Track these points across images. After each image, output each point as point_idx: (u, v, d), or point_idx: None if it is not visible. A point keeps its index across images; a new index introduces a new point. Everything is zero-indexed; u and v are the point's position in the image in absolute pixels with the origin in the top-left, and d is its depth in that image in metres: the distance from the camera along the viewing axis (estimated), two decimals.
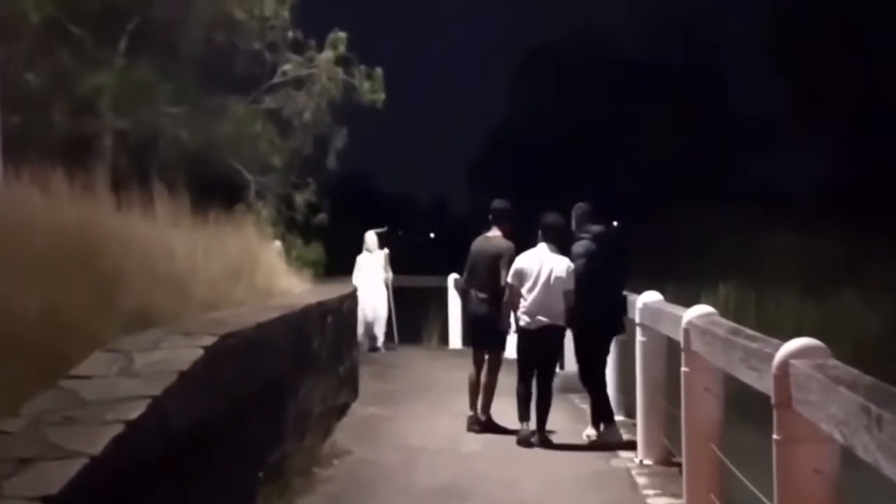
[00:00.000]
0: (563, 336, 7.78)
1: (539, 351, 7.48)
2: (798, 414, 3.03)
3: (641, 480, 6.28)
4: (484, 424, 7.83)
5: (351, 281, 12.10)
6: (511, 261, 7.59)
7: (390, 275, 13.54)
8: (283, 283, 8.16)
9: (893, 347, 13.28)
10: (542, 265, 7.41)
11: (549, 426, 7.49)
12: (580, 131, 36.58)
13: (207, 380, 4.32)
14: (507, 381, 7.79)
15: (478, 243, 8.05)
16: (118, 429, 3.41)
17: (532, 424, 7.38)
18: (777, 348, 3.24)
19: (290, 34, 15.18)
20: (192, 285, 5.88)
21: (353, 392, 9.13)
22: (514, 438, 7.39)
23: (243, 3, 14.65)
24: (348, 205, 28.00)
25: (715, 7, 41.00)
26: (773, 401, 3.20)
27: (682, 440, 4.98)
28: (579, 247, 7.46)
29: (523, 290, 7.43)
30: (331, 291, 8.50)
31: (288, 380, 6.14)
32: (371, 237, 13.28)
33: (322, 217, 15.76)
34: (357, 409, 8.72)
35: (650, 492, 6.01)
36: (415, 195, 59.84)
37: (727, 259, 20.61)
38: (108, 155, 13.47)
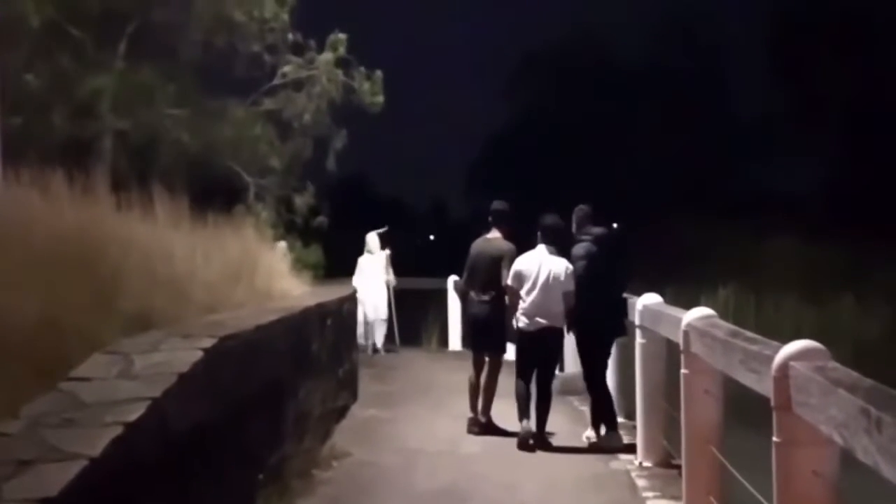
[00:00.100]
0: (562, 337, 7.78)
1: (538, 352, 7.48)
2: (798, 416, 3.03)
3: (641, 482, 6.28)
4: (484, 426, 7.83)
5: (350, 283, 12.09)
6: (512, 262, 7.60)
7: (392, 276, 13.53)
8: (283, 285, 8.16)
9: (893, 350, 13.29)
10: (541, 267, 7.42)
11: (548, 428, 7.49)
12: (579, 133, 36.57)
13: (207, 382, 4.32)
14: (508, 383, 7.78)
15: (477, 245, 8.04)
16: (117, 431, 3.40)
17: (532, 423, 7.37)
18: (777, 350, 3.23)
19: (290, 36, 15.19)
20: (192, 287, 5.88)
21: (353, 394, 9.13)
22: (513, 441, 7.38)
23: (243, 5, 14.65)
24: (347, 207, 28.01)
25: (715, 9, 41.11)
26: (772, 403, 3.20)
27: (682, 442, 4.98)
28: (580, 249, 7.47)
29: (522, 292, 7.43)
30: (330, 293, 8.50)
31: (287, 382, 6.14)
32: (372, 238, 13.28)
33: (321, 220, 15.76)
34: (356, 411, 8.72)
35: (650, 494, 6.01)
36: (414, 197, 59.91)
37: (727, 262, 20.64)
38: (107, 157, 13.47)
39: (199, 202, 7.51)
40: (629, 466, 6.71)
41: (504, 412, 7.77)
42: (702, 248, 23.60)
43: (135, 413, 3.57)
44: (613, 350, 7.80)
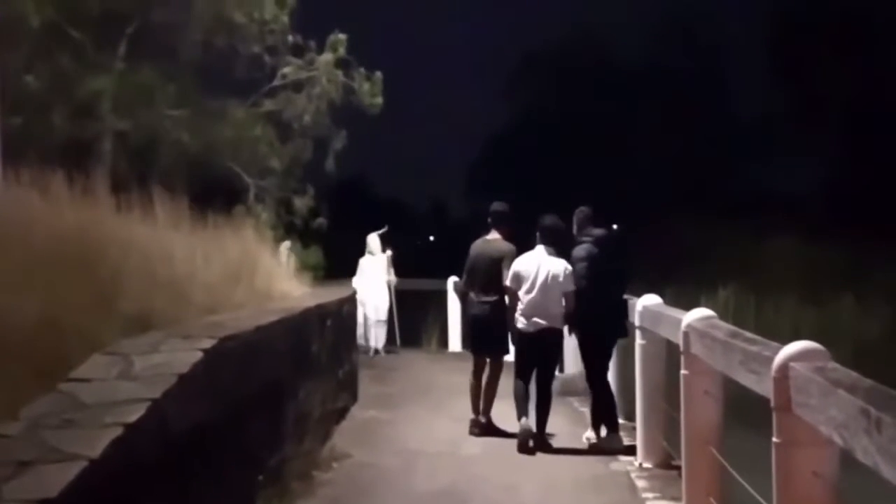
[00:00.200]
0: (561, 338, 7.77)
1: (537, 353, 7.47)
2: (797, 417, 3.02)
3: (641, 484, 6.27)
4: (484, 427, 7.83)
5: (350, 284, 12.09)
6: (512, 262, 7.59)
7: (393, 277, 13.52)
8: (283, 286, 8.16)
9: (893, 351, 13.29)
10: (540, 268, 7.41)
11: (548, 429, 7.48)
12: (579, 133, 36.56)
13: (207, 383, 4.32)
14: (509, 384, 7.78)
15: (477, 246, 8.04)
16: (117, 432, 3.40)
17: (531, 422, 7.34)
18: (776, 351, 3.23)
19: (290, 38, 15.20)
20: (192, 288, 5.88)
21: (353, 395, 9.13)
22: (514, 442, 7.36)
23: (243, 6, 14.66)
24: (347, 208, 28.02)
25: (715, 9, 41.13)
26: (772, 404, 3.20)
27: (682, 443, 4.98)
28: (580, 250, 7.46)
29: (521, 293, 7.42)
30: (330, 294, 8.50)
31: (287, 383, 6.14)
32: (373, 240, 13.28)
33: (320, 221, 15.76)
34: (356, 413, 8.71)
35: (650, 495, 6.01)
36: (414, 198, 59.93)
37: (726, 262, 20.64)
38: (107, 158, 13.49)
39: (199, 203, 7.52)
40: (629, 467, 6.70)
41: (505, 413, 7.76)
42: (702, 249, 23.60)
43: (135, 414, 3.57)
44: (614, 351, 7.80)
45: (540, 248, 7.50)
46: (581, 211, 7.70)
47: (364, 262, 13.20)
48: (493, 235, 7.98)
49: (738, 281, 18.26)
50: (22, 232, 4.98)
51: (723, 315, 5.23)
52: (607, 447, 7.24)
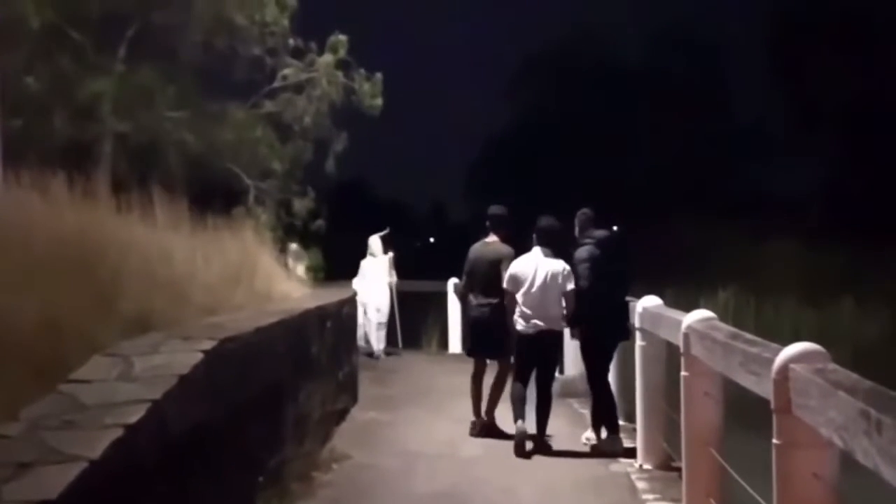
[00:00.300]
0: (561, 340, 7.77)
1: (536, 355, 7.46)
2: (797, 418, 3.02)
3: (641, 485, 6.27)
4: (486, 426, 7.82)
5: (350, 285, 12.08)
6: None
7: (395, 279, 13.51)
8: (283, 287, 8.17)
9: (893, 352, 13.28)
10: (538, 269, 7.39)
11: (548, 431, 7.47)
12: (579, 134, 36.57)
13: (207, 384, 4.32)
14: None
15: (476, 249, 8.04)
16: (117, 433, 3.40)
17: (527, 423, 7.32)
18: (776, 353, 3.23)
19: (291, 42, 15.20)
20: (192, 290, 5.89)
21: (353, 397, 9.13)
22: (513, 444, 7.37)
23: (244, 8, 14.66)
24: (347, 210, 28.01)
25: (714, 9, 41.16)
26: (772, 405, 3.20)
27: (682, 444, 4.97)
28: (583, 252, 7.45)
29: (519, 295, 7.41)
30: (330, 296, 8.50)
31: (287, 384, 6.14)
32: (374, 241, 13.27)
33: (320, 223, 15.76)
34: (356, 414, 8.71)
35: (650, 496, 6.01)
36: (414, 199, 59.99)
37: (726, 265, 20.64)
38: (107, 160, 13.48)
39: (198, 205, 7.52)
40: (629, 469, 6.70)
41: (506, 415, 7.76)
42: (701, 250, 23.61)
43: (135, 415, 3.57)
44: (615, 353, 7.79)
45: (536, 250, 7.49)
46: (583, 212, 7.70)
47: (365, 264, 13.19)
48: (492, 238, 7.98)
49: (737, 282, 18.25)
50: (22, 233, 4.98)
51: (722, 316, 5.23)
52: (607, 449, 7.23)
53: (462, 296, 8.83)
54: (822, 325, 15.43)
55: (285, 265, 10.35)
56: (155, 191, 6.86)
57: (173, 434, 3.90)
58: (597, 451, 7.29)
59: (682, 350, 4.95)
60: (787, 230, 22.27)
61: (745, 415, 4.63)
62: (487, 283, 7.78)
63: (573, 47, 38.75)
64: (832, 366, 2.99)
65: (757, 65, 36.59)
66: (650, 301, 6.62)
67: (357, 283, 12.76)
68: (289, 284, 8.62)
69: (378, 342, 13.23)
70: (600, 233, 7.56)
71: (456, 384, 8.92)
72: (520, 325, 7.43)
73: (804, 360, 3.07)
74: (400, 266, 13.72)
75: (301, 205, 15.48)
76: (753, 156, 33.98)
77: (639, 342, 6.74)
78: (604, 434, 7.42)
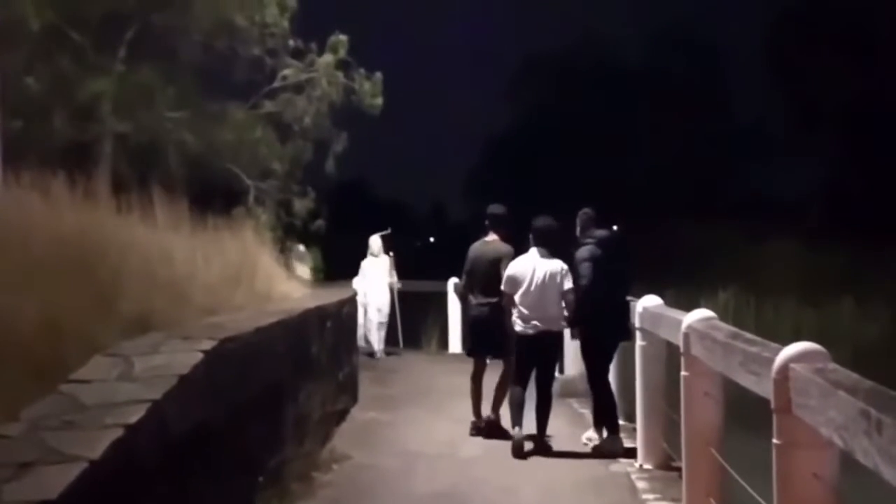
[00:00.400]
0: (560, 340, 7.76)
1: (536, 356, 7.45)
2: (798, 418, 3.02)
3: (641, 485, 6.27)
4: (491, 423, 7.80)
5: (350, 285, 12.08)
6: None
7: (396, 279, 13.50)
8: (283, 287, 8.17)
9: (893, 352, 13.29)
10: (535, 270, 7.37)
11: (548, 431, 7.46)
12: (580, 135, 36.58)
13: (207, 384, 4.33)
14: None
15: (475, 248, 8.04)
16: (118, 433, 3.40)
17: (525, 429, 7.29)
18: (776, 352, 3.23)
19: (291, 43, 15.20)
20: (192, 290, 5.89)
21: (353, 397, 9.13)
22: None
23: (244, 9, 14.66)
24: (347, 210, 28.00)
25: (714, 10, 41.17)
26: (772, 405, 3.19)
27: (682, 444, 4.98)
28: (584, 252, 7.44)
29: (517, 297, 7.40)
30: (330, 296, 8.50)
31: (287, 384, 6.14)
32: (375, 241, 13.27)
33: (319, 223, 15.75)
34: (356, 414, 8.71)
35: (650, 496, 6.01)
36: (414, 199, 60.00)
37: (726, 265, 20.64)
38: (108, 160, 13.48)
39: (199, 205, 7.53)
40: (629, 469, 6.70)
41: (506, 416, 7.76)
42: (701, 250, 23.62)
43: (135, 415, 3.57)
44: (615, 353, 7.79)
45: (533, 251, 7.46)
46: (584, 212, 7.70)
47: (366, 264, 13.19)
48: (492, 237, 7.98)
49: (737, 282, 18.26)
50: (22, 234, 4.99)
51: (723, 316, 5.22)
52: (607, 449, 7.23)
53: (462, 295, 8.82)
54: (822, 325, 15.43)
55: (286, 265, 10.36)
56: (155, 191, 6.86)
57: (173, 434, 3.90)
58: (597, 451, 7.29)
59: (682, 350, 4.95)
60: (787, 230, 22.28)
61: (746, 415, 4.63)
62: (487, 283, 7.77)
63: (573, 47, 38.77)
64: (832, 365, 2.99)
65: (757, 65, 36.65)
66: (650, 301, 6.62)
67: (357, 283, 12.76)
68: (289, 285, 8.62)
69: (378, 342, 13.22)
70: (601, 232, 7.56)
71: (456, 384, 8.92)
72: (519, 325, 7.42)
73: (804, 359, 3.07)
74: (399, 266, 13.72)
75: (301, 205, 15.47)
76: (753, 156, 33.98)
77: (639, 342, 6.74)
78: (604, 434, 7.42)
